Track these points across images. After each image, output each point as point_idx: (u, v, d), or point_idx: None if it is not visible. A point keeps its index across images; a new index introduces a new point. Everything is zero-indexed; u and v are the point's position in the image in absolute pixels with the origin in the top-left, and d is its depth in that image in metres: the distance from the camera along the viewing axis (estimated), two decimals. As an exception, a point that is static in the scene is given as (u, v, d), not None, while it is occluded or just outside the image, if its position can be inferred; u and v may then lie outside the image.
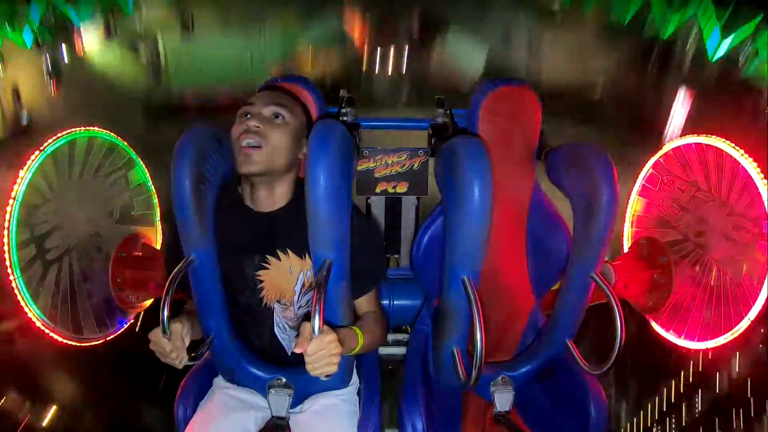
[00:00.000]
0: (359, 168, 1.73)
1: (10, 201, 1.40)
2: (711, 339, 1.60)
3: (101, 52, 3.05)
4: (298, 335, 1.06)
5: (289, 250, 1.24)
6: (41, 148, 1.49)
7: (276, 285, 1.26)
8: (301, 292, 1.27)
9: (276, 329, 1.30)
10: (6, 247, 1.39)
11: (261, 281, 1.26)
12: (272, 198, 1.24)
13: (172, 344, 1.09)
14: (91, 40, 2.98)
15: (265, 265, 1.25)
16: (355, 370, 1.40)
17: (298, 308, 1.29)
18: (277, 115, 1.20)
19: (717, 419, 2.04)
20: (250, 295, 1.27)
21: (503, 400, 1.37)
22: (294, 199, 1.25)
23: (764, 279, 1.47)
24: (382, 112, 2.15)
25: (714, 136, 1.61)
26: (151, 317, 1.82)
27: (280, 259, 1.24)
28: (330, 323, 1.08)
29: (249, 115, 1.19)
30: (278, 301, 1.28)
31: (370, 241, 1.27)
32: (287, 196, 1.25)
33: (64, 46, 2.81)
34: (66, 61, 2.83)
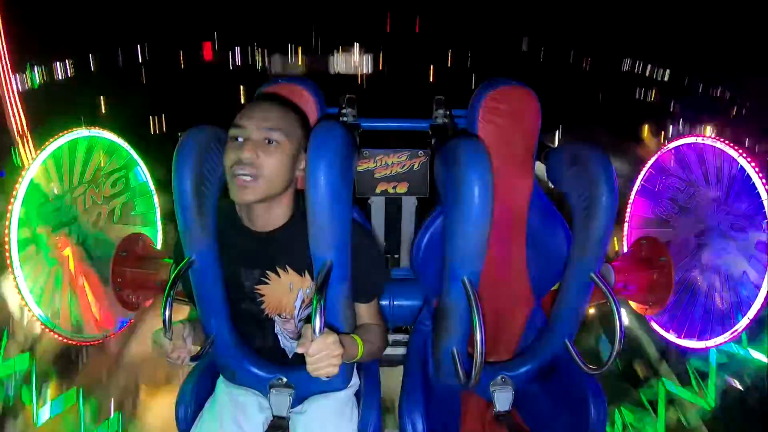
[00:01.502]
0: (359, 168, 1.73)
1: (12, 200, 1.41)
2: (710, 338, 1.60)
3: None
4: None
5: (288, 267, 1.22)
6: (42, 147, 1.49)
7: (276, 299, 1.26)
8: (301, 308, 1.27)
9: (279, 337, 1.30)
10: (8, 246, 1.40)
11: (261, 294, 1.25)
12: (270, 218, 1.19)
13: (173, 344, 1.09)
14: None
15: (265, 280, 1.24)
16: (355, 371, 1.40)
17: (299, 321, 1.28)
18: (270, 141, 1.11)
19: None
20: (250, 305, 1.27)
21: (503, 399, 1.37)
22: (293, 215, 1.21)
23: (763, 279, 1.47)
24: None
25: (713, 137, 1.62)
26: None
27: (279, 276, 1.23)
28: (331, 325, 1.09)
29: (240, 139, 1.11)
30: (279, 315, 1.28)
31: (370, 251, 1.26)
32: (286, 214, 1.20)
33: None
34: None
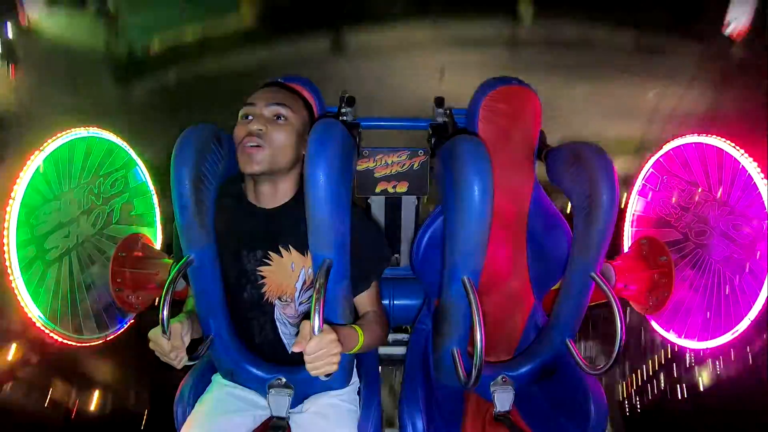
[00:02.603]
0: (359, 168, 1.73)
1: (10, 201, 1.40)
2: (711, 339, 1.60)
3: (48, 19, 2.80)
4: (298, 333, 1.06)
5: (291, 247, 1.24)
6: (41, 148, 1.49)
7: (277, 281, 1.26)
8: (302, 289, 1.27)
9: (277, 324, 1.30)
10: (6, 247, 1.39)
11: (262, 277, 1.26)
12: (275, 194, 1.23)
13: (171, 344, 1.09)
14: (34, 7, 2.74)
15: (267, 261, 1.25)
16: (355, 370, 1.40)
17: (299, 304, 1.29)
18: (278, 116, 1.19)
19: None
20: (252, 290, 1.27)
21: (503, 399, 1.37)
22: (297, 195, 1.25)
23: (764, 279, 1.46)
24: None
25: (714, 136, 1.61)
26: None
27: (281, 256, 1.24)
28: (330, 322, 1.08)
29: (250, 117, 1.18)
30: (279, 298, 1.28)
31: (369, 237, 1.27)
32: (291, 193, 1.25)
33: (8, 23, 2.57)
34: (13, 37, 2.61)
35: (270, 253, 1.24)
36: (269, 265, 1.25)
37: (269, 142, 1.16)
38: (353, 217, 1.17)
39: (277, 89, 1.25)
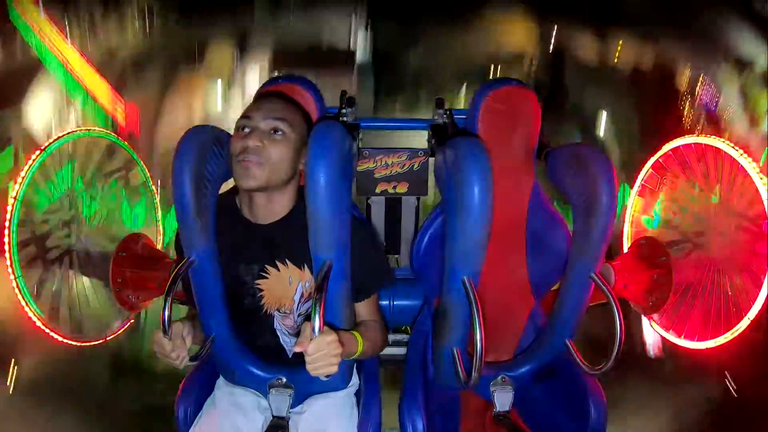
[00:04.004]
0: (359, 168, 1.73)
1: (11, 200, 1.41)
2: (711, 339, 1.60)
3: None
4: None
5: (288, 261, 1.23)
6: (42, 147, 1.49)
7: (275, 294, 1.26)
8: (300, 302, 1.27)
9: (277, 332, 1.30)
10: (7, 247, 1.39)
11: (261, 290, 1.26)
12: (271, 209, 1.21)
13: (172, 344, 1.09)
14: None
15: (264, 274, 1.24)
16: (355, 371, 1.40)
17: (298, 316, 1.29)
18: (276, 130, 1.15)
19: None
20: (251, 301, 1.27)
21: (503, 400, 1.37)
22: (294, 209, 1.23)
23: (764, 279, 1.47)
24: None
25: (714, 136, 1.61)
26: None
27: (279, 270, 1.24)
28: (330, 324, 1.08)
29: (247, 129, 1.15)
30: (278, 310, 1.28)
31: (369, 247, 1.27)
32: (287, 207, 1.22)
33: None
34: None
35: (267, 267, 1.23)
36: (266, 278, 1.25)
37: (266, 158, 1.13)
38: (356, 228, 1.17)
39: (276, 102, 1.21)
